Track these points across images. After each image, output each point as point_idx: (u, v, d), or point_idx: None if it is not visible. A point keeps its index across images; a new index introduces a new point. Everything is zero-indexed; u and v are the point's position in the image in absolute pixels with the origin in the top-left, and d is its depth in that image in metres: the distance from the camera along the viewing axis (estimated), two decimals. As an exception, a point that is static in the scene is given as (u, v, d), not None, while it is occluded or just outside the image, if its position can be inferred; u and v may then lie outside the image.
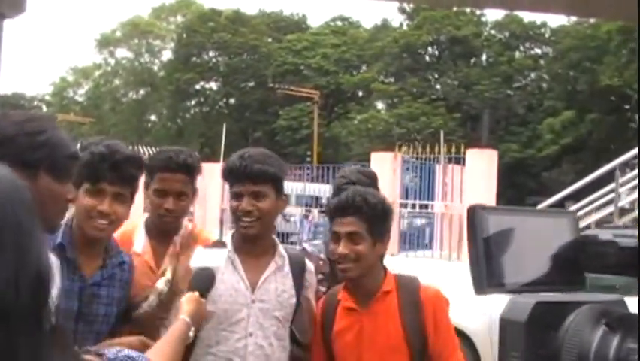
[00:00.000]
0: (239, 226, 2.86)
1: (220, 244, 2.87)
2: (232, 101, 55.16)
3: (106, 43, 61.44)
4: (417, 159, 15.05)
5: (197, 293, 2.46)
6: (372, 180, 3.45)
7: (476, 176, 13.60)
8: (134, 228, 3.13)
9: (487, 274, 1.10)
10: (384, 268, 2.87)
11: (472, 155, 14.11)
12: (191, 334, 2.34)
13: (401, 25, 51.25)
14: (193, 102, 56.93)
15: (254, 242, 2.88)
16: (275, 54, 51.96)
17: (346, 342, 2.79)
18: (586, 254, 1.17)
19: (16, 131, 1.88)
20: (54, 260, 2.19)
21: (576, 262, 1.19)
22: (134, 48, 61.45)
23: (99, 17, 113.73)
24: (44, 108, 68.70)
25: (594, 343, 1.08)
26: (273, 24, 56.23)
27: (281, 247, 2.96)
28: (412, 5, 46.77)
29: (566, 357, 1.10)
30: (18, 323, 1.02)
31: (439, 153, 14.70)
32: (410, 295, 2.78)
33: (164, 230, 3.09)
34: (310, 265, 3.09)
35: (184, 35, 54.56)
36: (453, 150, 14.18)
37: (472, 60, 47.91)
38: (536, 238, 1.18)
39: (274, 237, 2.99)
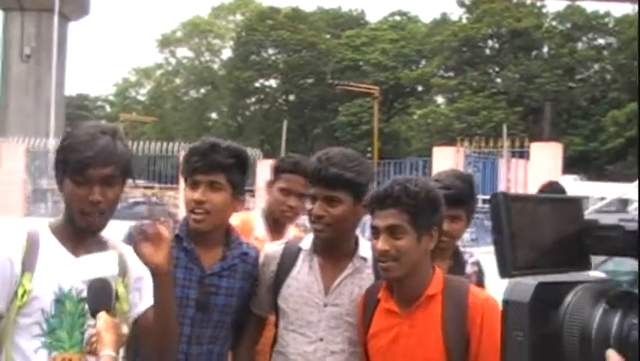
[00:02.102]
0: (312, 228, 2.76)
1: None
2: (291, 98, 55.50)
3: (167, 43, 62.45)
4: (479, 153, 14.95)
5: (108, 317, 2.08)
6: (468, 184, 3.13)
7: (541, 170, 13.44)
8: (253, 216, 3.68)
9: (511, 259, 1.16)
10: (434, 267, 2.57)
11: (537, 149, 13.95)
12: None
13: (460, 18, 51.00)
14: (253, 100, 57.48)
15: (328, 246, 2.76)
16: (334, 50, 52.09)
17: (380, 346, 2.55)
18: (591, 238, 1.22)
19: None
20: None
21: (583, 244, 1.24)
22: (194, 47, 62.28)
23: (160, 18, 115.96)
24: (107, 108, 70.15)
25: (595, 320, 1.11)
26: (332, 20, 56.37)
27: (364, 248, 2.80)
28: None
29: (567, 335, 1.14)
30: None
31: (501, 146, 14.57)
32: (456, 300, 2.49)
33: (281, 223, 3.59)
34: None
35: (243, 34, 55.10)
36: (516, 143, 14.05)
37: (533, 52, 47.30)
38: (550, 224, 1.24)
39: (358, 236, 2.85)
